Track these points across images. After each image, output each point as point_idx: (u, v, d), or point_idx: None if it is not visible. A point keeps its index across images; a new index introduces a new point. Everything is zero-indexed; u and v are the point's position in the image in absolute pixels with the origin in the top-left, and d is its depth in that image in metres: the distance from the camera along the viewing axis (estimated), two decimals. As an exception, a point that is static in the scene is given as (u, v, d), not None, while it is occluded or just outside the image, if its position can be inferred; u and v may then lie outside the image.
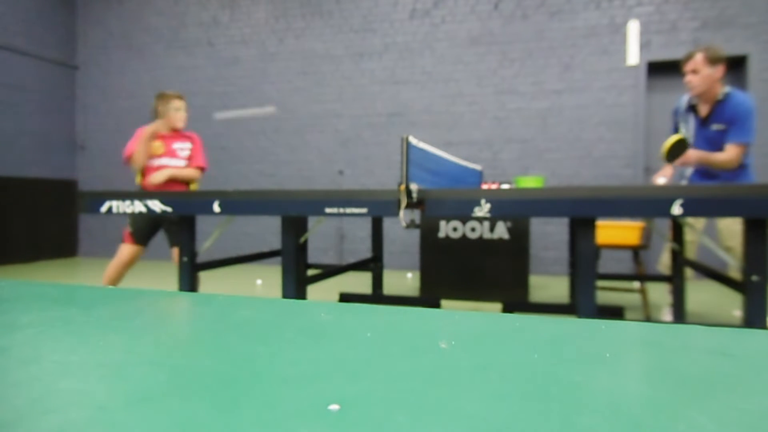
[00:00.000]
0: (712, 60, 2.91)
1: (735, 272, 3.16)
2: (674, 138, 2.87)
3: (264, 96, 6.49)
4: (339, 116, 6.20)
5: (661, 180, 3.07)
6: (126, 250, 3.14)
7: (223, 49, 6.67)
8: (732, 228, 3.13)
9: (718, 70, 2.91)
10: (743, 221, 1.85)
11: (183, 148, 3.28)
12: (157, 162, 3.19)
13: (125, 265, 3.14)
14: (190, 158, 3.31)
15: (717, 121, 2.95)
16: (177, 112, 3.26)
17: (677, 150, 2.89)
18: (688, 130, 3.12)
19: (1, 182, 6.26)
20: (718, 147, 2.96)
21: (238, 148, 6.61)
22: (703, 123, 3.02)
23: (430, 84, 5.88)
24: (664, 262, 3.33)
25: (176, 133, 3.30)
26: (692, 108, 3.08)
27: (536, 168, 5.55)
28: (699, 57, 2.94)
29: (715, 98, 2.94)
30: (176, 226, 3.22)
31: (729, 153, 2.88)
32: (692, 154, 2.92)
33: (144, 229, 3.17)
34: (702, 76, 2.92)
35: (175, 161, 3.23)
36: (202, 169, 3.32)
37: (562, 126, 5.46)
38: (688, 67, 2.96)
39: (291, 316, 0.57)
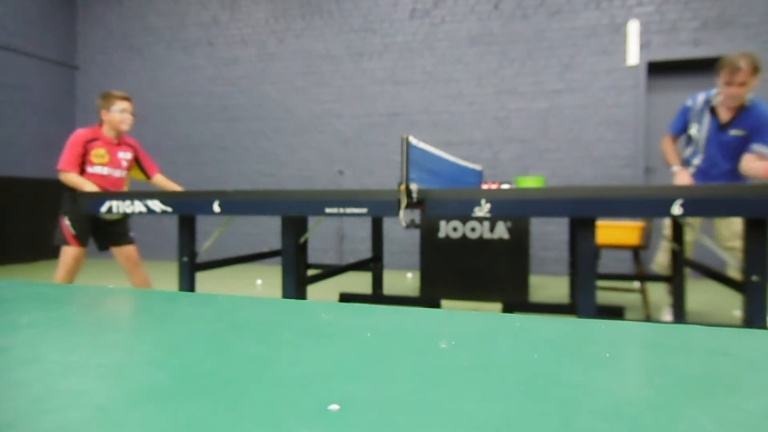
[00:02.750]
0: (757, 70, 2.81)
1: (734, 272, 3.15)
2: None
3: (264, 96, 6.49)
4: (339, 116, 6.21)
5: (683, 177, 2.99)
6: (70, 253, 2.98)
7: (223, 49, 6.67)
8: (731, 228, 3.12)
9: (758, 77, 2.84)
10: (743, 221, 1.85)
11: (126, 158, 3.14)
12: (100, 170, 3.03)
13: (73, 270, 3.01)
14: (129, 168, 3.18)
15: (738, 127, 2.92)
16: (122, 114, 3.04)
17: None
18: (700, 129, 3.08)
19: (1, 182, 6.26)
20: (733, 151, 2.94)
21: (238, 148, 6.61)
22: (722, 127, 2.98)
23: (430, 84, 5.88)
24: (658, 262, 3.33)
25: (120, 140, 3.12)
26: (712, 109, 3.02)
27: (536, 168, 5.55)
28: (747, 67, 2.79)
29: (742, 104, 2.90)
30: (115, 226, 3.11)
31: None
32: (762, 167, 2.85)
33: (86, 230, 3.04)
34: (748, 87, 2.83)
35: (118, 172, 3.10)
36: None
37: (562, 126, 5.47)
38: (738, 78, 2.81)
39: (291, 316, 0.57)
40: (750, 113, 2.88)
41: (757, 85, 2.88)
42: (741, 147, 2.93)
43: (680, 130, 3.19)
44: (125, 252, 3.14)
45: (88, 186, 2.87)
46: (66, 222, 2.99)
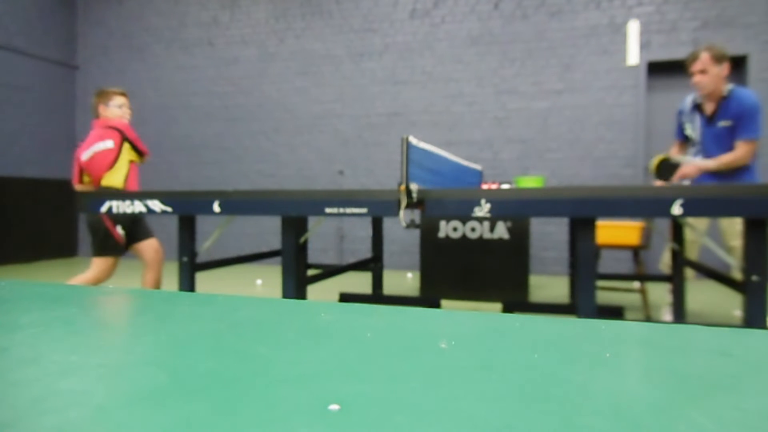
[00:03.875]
0: (719, 58, 2.92)
1: (738, 273, 3.16)
2: (659, 158, 2.92)
3: (264, 96, 6.49)
4: (339, 116, 6.20)
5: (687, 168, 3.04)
6: (114, 264, 2.87)
7: (223, 49, 6.66)
8: (735, 228, 3.13)
9: (724, 68, 2.93)
10: (743, 221, 1.85)
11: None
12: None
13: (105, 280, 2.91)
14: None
15: (723, 117, 2.96)
16: (121, 109, 2.98)
17: (666, 168, 2.93)
18: (694, 129, 3.14)
19: (1, 182, 6.26)
20: (725, 143, 2.97)
21: (238, 148, 6.61)
22: (710, 121, 3.03)
23: (430, 84, 5.88)
24: (665, 262, 3.33)
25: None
26: (697, 107, 3.09)
27: (536, 168, 5.55)
28: (705, 56, 2.93)
29: (720, 95, 2.96)
30: (135, 224, 2.99)
31: (740, 150, 2.89)
32: (690, 168, 2.94)
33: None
34: (711, 75, 2.93)
35: None
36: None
37: (562, 126, 5.46)
38: (696, 67, 2.96)
39: (291, 316, 0.57)
40: (731, 102, 2.93)
41: (725, 74, 2.92)
42: (732, 136, 2.97)
43: (681, 134, 3.26)
44: (154, 242, 3.07)
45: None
46: (120, 231, 2.87)
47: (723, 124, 2.96)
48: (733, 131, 2.94)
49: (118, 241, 2.85)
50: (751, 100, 2.89)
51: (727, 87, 2.95)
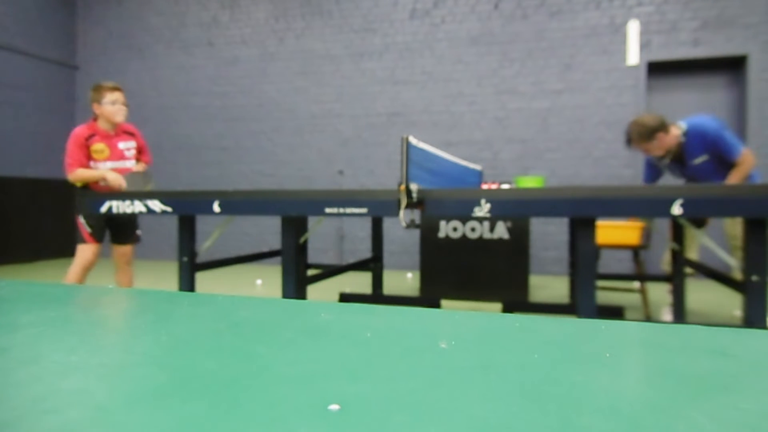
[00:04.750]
0: (647, 136, 2.89)
1: (738, 274, 3.17)
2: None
3: (264, 96, 6.49)
4: (339, 116, 6.20)
5: None
6: (88, 250, 2.96)
7: (223, 49, 6.67)
8: (739, 227, 3.14)
9: (660, 136, 2.89)
10: (743, 221, 1.85)
11: (129, 147, 3.07)
12: (103, 166, 2.97)
13: (88, 267, 2.98)
14: (137, 157, 3.14)
15: (694, 156, 2.95)
16: (113, 106, 2.96)
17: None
18: (675, 173, 3.18)
19: (1, 182, 6.26)
20: (714, 171, 2.98)
21: (238, 148, 6.61)
22: (682, 164, 3.05)
23: (430, 84, 5.88)
24: (666, 261, 3.34)
25: (118, 131, 3.05)
26: (662, 157, 3.10)
27: (536, 168, 5.55)
28: (635, 143, 2.94)
29: (678, 143, 2.95)
30: (128, 222, 3.11)
31: (742, 165, 2.86)
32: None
33: (102, 226, 3.01)
34: (652, 148, 2.93)
35: (123, 163, 3.04)
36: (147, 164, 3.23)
37: (562, 126, 5.46)
38: (636, 148, 3.01)
39: (291, 316, 0.57)
40: (692, 141, 2.91)
41: (664, 136, 2.90)
42: (716, 165, 2.96)
43: (652, 177, 3.30)
44: (124, 249, 3.14)
45: (100, 172, 2.89)
46: (81, 220, 2.97)
47: (699, 161, 2.95)
48: (714, 161, 2.92)
49: (82, 232, 2.99)
50: (709, 127, 2.86)
51: (681, 131, 2.92)
